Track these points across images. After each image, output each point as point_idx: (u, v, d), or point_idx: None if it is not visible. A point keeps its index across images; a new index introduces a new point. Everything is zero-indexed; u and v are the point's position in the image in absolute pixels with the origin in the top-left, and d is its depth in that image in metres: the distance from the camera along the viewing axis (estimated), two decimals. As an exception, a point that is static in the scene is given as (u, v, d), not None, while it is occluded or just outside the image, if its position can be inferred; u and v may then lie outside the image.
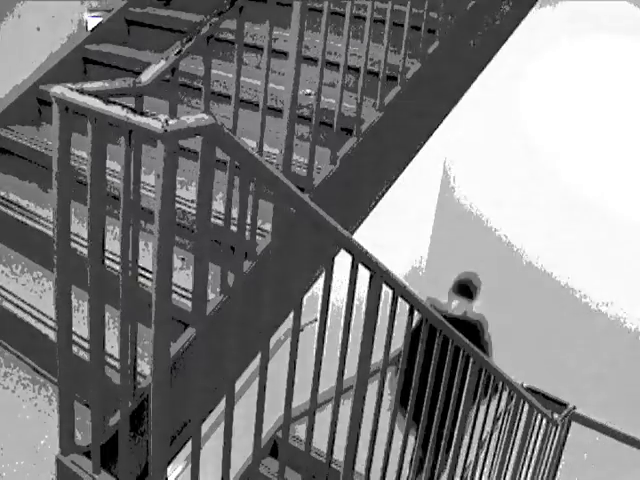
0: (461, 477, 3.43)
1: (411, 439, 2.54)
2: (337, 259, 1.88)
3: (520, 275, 6.18)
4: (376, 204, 2.68)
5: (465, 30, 2.84)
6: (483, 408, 3.10)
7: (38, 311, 2.19)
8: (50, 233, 2.21)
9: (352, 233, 2.45)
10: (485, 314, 4.65)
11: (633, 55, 5.33)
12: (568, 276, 5.93)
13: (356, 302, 1.95)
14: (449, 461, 3.09)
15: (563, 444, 4.25)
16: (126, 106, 1.37)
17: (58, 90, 1.46)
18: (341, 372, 2.01)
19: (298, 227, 2.02)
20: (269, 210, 1.75)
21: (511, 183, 6.00)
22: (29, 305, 2.23)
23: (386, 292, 2.03)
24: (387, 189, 2.71)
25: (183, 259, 2.16)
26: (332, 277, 1.86)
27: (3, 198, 2.71)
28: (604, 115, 5.46)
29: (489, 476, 3.58)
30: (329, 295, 1.87)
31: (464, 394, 2.87)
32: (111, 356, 1.86)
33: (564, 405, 4.01)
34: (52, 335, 2.03)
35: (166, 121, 1.28)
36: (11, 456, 1.83)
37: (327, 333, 1.93)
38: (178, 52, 1.88)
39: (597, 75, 5.42)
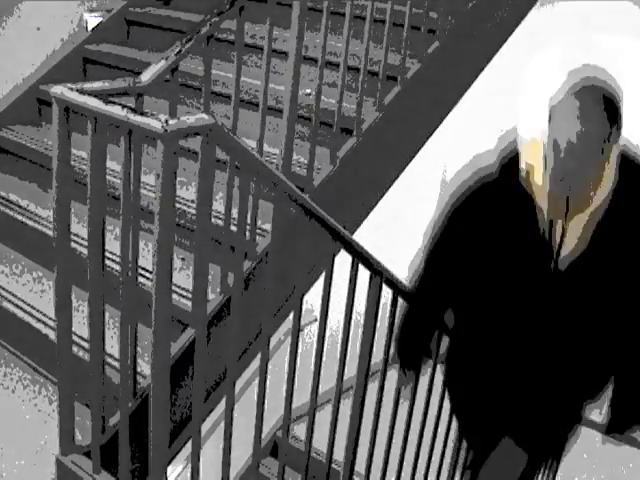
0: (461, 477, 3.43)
1: (412, 439, 2.54)
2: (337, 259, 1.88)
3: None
4: (376, 204, 2.68)
5: (465, 30, 2.84)
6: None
7: (38, 311, 2.20)
8: (50, 233, 2.21)
9: (352, 233, 2.45)
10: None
11: (635, 55, 5.32)
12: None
13: (356, 303, 1.95)
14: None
15: (563, 444, 4.25)
16: (126, 106, 1.37)
17: (58, 90, 1.46)
18: (341, 372, 2.01)
19: (298, 227, 2.02)
20: (269, 210, 1.75)
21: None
22: (29, 305, 2.23)
23: (386, 293, 2.03)
24: (387, 189, 2.71)
25: (183, 259, 2.16)
26: (332, 277, 1.86)
27: (3, 198, 2.71)
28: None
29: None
30: (329, 295, 1.87)
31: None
32: (111, 356, 1.86)
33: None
34: (52, 335, 2.03)
35: (166, 121, 1.28)
36: (11, 456, 1.83)
37: (327, 333, 1.93)
38: (178, 52, 1.88)
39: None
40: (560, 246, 1.58)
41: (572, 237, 1.56)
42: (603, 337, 1.69)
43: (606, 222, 1.54)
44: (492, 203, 1.66)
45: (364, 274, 1.96)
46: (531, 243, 1.61)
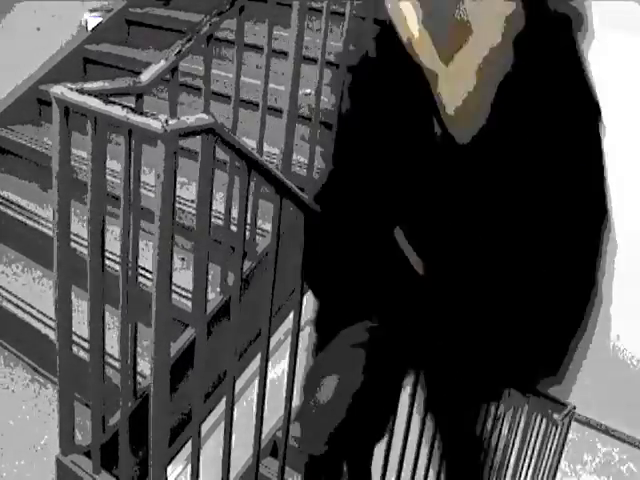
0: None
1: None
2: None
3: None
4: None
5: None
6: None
7: (38, 311, 2.19)
8: (50, 233, 2.21)
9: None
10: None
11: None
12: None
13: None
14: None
15: (563, 444, 4.24)
16: (126, 106, 1.37)
17: (58, 90, 1.46)
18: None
19: (298, 227, 2.02)
20: (269, 210, 1.74)
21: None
22: (29, 305, 2.23)
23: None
24: (387, 189, 2.71)
25: (183, 259, 2.16)
26: (332, 277, 1.86)
27: (3, 198, 2.71)
28: (610, 118, 5.42)
29: (489, 476, 3.58)
30: (329, 295, 1.87)
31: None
32: (111, 356, 1.86)
33: (564, 405, 4.00)
34: (52, 335, 2.02)
35: (166, 121, 1.28)
36: (11, 456, 1.83)
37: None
38: (178, 52, 1.88)
39: (601, 76, 5.39)
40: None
41: (461, 92, 1.21)
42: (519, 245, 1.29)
43: (511, 83, 1.19)
44: (374, 69, 1.38)
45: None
46: (418, 107, 1.27)
